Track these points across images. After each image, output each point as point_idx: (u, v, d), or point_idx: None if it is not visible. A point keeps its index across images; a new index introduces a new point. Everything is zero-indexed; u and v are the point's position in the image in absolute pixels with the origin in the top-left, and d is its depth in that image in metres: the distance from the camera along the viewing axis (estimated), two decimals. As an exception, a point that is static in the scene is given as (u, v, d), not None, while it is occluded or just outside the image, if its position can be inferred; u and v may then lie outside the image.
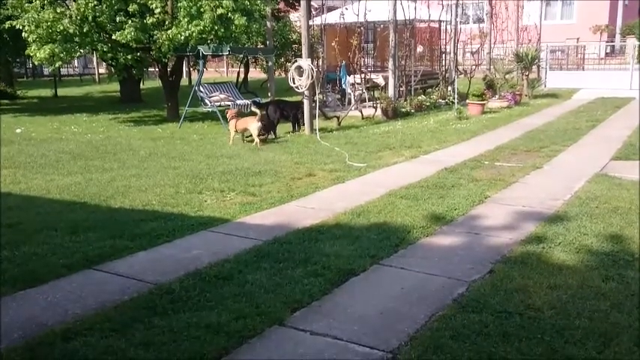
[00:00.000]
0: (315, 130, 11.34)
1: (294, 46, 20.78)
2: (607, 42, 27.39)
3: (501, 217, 5.79)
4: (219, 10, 11.90)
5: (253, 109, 10.56)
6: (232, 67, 28.19)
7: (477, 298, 3.90)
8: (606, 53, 25.64)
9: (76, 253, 4.87)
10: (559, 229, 5.29)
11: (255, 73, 21.76)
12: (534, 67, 19.24)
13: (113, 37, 12.40)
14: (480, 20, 21.61)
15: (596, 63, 22.66)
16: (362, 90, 14.79)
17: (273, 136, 11.35)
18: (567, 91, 19.03)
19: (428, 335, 3.44)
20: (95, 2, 12.08)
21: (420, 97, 15.46)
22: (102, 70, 31.42)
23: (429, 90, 16.62)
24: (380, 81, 15.69)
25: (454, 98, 15.00)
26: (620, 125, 11.89)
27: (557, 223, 5.47)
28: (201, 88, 13.44)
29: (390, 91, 14.61)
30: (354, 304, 3.92)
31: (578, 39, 24.73)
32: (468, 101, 14.80)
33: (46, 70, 29.03)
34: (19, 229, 5.54)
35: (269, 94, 15.50)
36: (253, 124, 10.19)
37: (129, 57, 13.07)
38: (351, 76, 15.27)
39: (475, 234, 5.33)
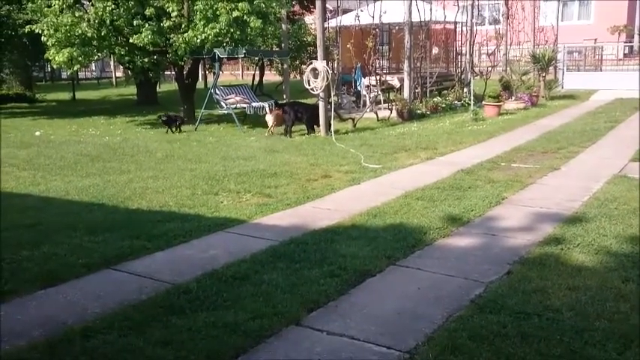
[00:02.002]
0: (331, 131, 11.35)
1: (309, 48, 20.83)
2: (625, 42, 27.04)
3: (518, 219, 5.75)
4: (235, 13, 11.97)
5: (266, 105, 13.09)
6: (248, 69, 28.30)
7: (494, 299, 3.87)
8: (624, 54, 25.30)
9: (95, 253, 4.92)
10: (578, 231, 5.23)
11: (270, 76, 21.83)
12: (551, 69, 19.07)
13: (130, 40, 12.54)
14: (496, 21, 21.47)
15: (614, 64, 22.37)
16: (377, 92, 14.77)
17: (289, 137, 11.41)
18: (585, 92, 18.81)
19: (445, 335, 3.42)
20: (113, 6, 12.23)
21: (435, 99, 15.39)
22: (119, 74, 31.78)
23: (445, 92, 16.53)
24: (395, 83, 15.65)
25: (470, 100, 14.92)
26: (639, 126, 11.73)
27: (575, 225, 5.42)
28: (217, 91, 13.53)
29: (406, 93, 14.56)
30: (371, 304, 3.91)
31: (595, 40, 24.47)
32: (484, 103, 14.70)
33: (65, 74, 29.33)
34: (39, 230, 5.60)
35: (284, 97, 15.55)
36: (267, 116, 12.46)
37: (146, 60, 13.20)
38: (366, 77, 15.25)
39: (492, 235, 5.29)
